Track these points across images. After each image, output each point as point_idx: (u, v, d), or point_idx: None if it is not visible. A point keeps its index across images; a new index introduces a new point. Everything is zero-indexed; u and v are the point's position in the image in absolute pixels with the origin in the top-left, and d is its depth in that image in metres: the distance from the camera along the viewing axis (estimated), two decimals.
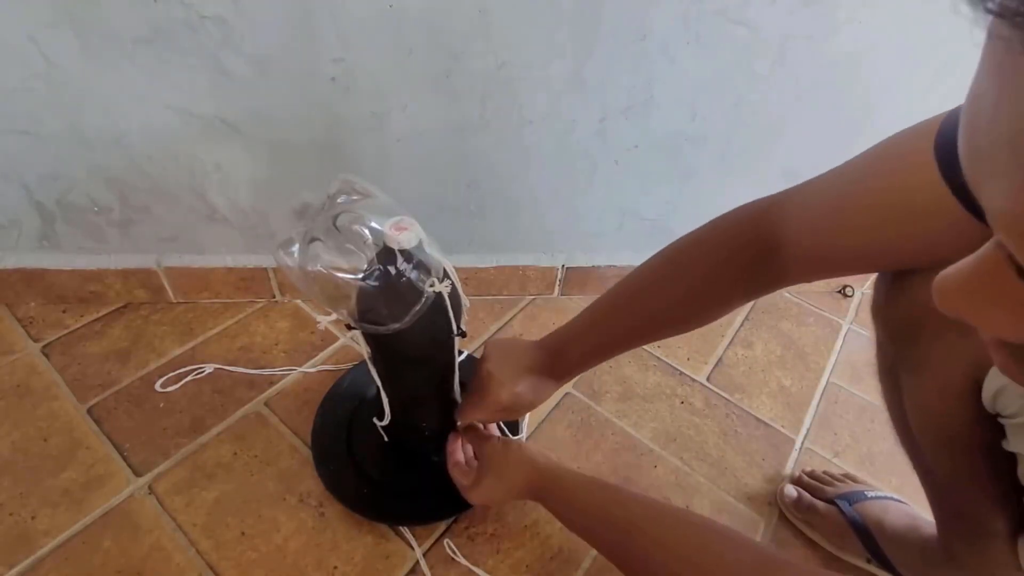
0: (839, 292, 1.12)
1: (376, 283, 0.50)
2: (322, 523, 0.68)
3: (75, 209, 0.82)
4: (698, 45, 0.76)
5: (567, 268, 1.00)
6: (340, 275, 0.49)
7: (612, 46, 0.75)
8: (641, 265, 0.59)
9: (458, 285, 0.56)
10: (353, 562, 0.65)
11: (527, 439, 0.80)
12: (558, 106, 0.80)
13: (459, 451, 0.69)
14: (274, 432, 0.77)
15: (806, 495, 0.73)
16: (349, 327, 0.53)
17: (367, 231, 0.50)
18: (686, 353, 0.95)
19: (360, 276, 0.50)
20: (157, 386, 0.81)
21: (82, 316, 0.90)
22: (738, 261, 0.52)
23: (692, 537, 0.50)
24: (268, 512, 0.69)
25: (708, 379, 0.92)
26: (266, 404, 0.81)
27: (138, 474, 0.71)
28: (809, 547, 0.72)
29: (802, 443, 0.84)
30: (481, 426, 0.72)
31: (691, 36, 0.75)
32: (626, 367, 0.92)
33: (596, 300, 0.62)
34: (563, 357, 0.64)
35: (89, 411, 0.77)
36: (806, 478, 0.76)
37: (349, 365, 0.86)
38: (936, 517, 0.61)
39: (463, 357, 0.84)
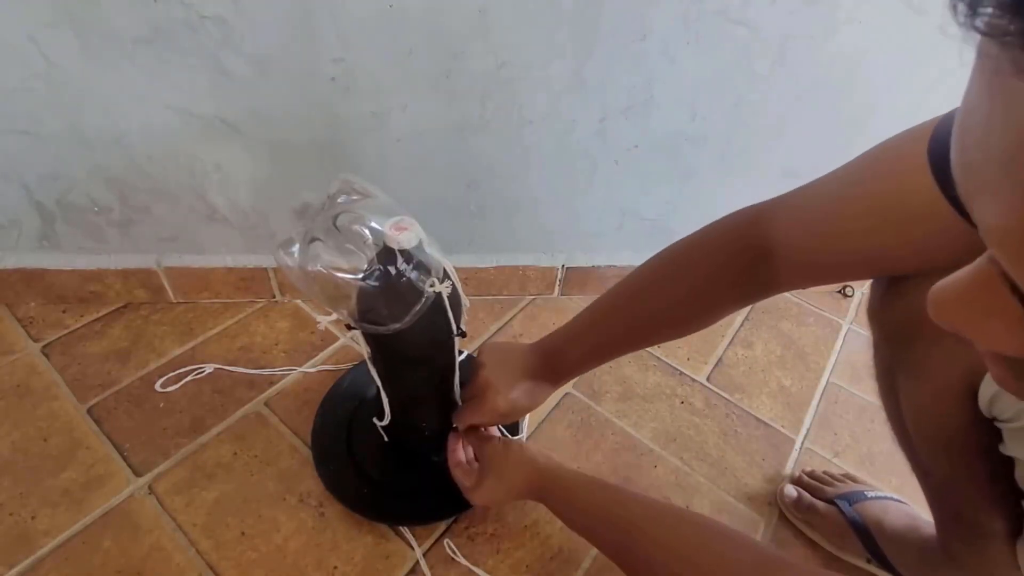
0: (839, 292, 1.12)
1: (376, 283, 0.50)
2: (322, 523, 0.68)
3: (75, 209, 0.82)
4: (698, 45, 0.76)
5: (567, 268, 1.00)
6: (340, 275, 0.49)
7: (612, 46, 0.75)
8: (638, 268, 0.59)
9: (458, 285, 0.56)
10: (353, 562, 0.65)
11: (527, 439, 0.80)
12: (558, 106, 0.80)
13: (460, 452, 0.69)
14: (274, 432, 0.77)
15: (806, 495, 0.73)
16: (349, 327, 0.53)
17: (367, 231, 0.50)
18: (686, 353, 0.95)
19: (360, 276, 0.50)
20: (157, 386, 0.81)
21: (82, 316, 0.90)
22: (734, 266, 0.52)
23: (693, 537, 0.50)
24: (268, 512, 0.69)
25: (708, 379, 0.92)
26: (266, 404, 0.81)
27: (138, 474, 0.71)
28: (809, 547, 0.72)
29: (802, 443, 0.84)
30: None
31: (691, 36, 0.75)
32: (626, 367, 0.92)
33: (593, 303, 0.62)
34: (560, 360, 0.64)
35: (89, 411, 0.77)
36: (806, 478, 0.76)
37: (349, 365, 0.86)
38: (935, 518, 0.61)
39: (463, 357, 0.84)
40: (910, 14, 0.76)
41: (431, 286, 0.51)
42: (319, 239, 0.49)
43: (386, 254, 0.51)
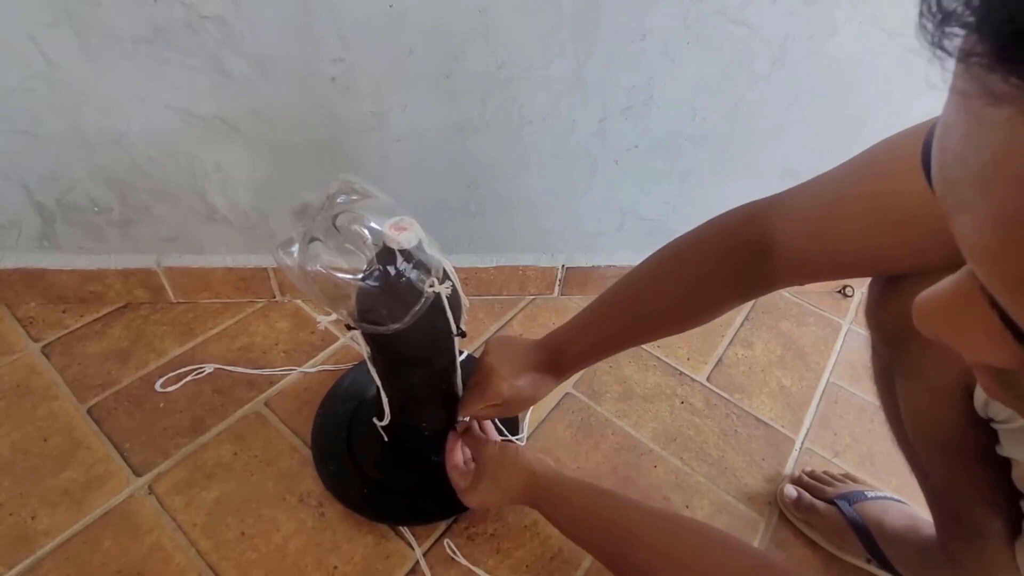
0: (839, 292, 1.12)
1: (376, 283, 0.50)
2: (322, 523, 0.68)
3: (75, 209, 0.82)
4: (698, 45, 0.76)
5: (567, 268, 1.00)
6: (340, 275, 0.49)
7: (612, 46, 0.75)
8: (638, 265, 0.59)
9: (458, 285, 0.56)
10: (353, 562, 0.65)
11: (527, 438, 0.80)
12: (558, 106, 0.80)
13: (458, 453, 0.69)
14: (274, 432, 0.77)
15: (806, 495, 0.73)
16: (349, 327, 0.53)
17: (367, 231, 0.50)
18: (686, 353, 0.95)
19: (360, 276, 0.50)
20: (157, 386, 0.81)
21: (82, 316, 0.90)
22: (732, 263, 0.53)
23: (690, 544, 0.50)
24: (268, 512, 0.69)
25: (708, 379, 0.92)
26: (266, 404, 0.81)
27: (138, 474, 0.71)
28: (809, 547, 0.72)
29: (802, 443, 0.84)
30: (478, 427, 0.72)
31: (691, 36, 0.75)
32: (626, 367, 0.92)
33: (595, 299, 0.63)
34: (562, 355, 0.65)
35: (89, 411, 0.77)
36: (806, 478, 0.76)
37: (349, 365, 0.86)
38: (934, 518, 0.61)
39: (463, 357, 0.84)
40: (910, 14, 0.76)
41: (431, 286, 0.51)
42: (319, 239, 0.49)
43: (386, 254, 0.51)
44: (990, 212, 0.15)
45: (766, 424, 0.86)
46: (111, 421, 0.77)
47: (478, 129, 0.81)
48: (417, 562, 0.66)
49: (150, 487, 0.70)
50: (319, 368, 0.87)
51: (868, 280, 0.51)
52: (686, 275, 0.56)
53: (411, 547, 0.67)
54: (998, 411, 0.44)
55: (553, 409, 0.84)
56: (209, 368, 0.84)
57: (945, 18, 0.14)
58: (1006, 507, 0.49)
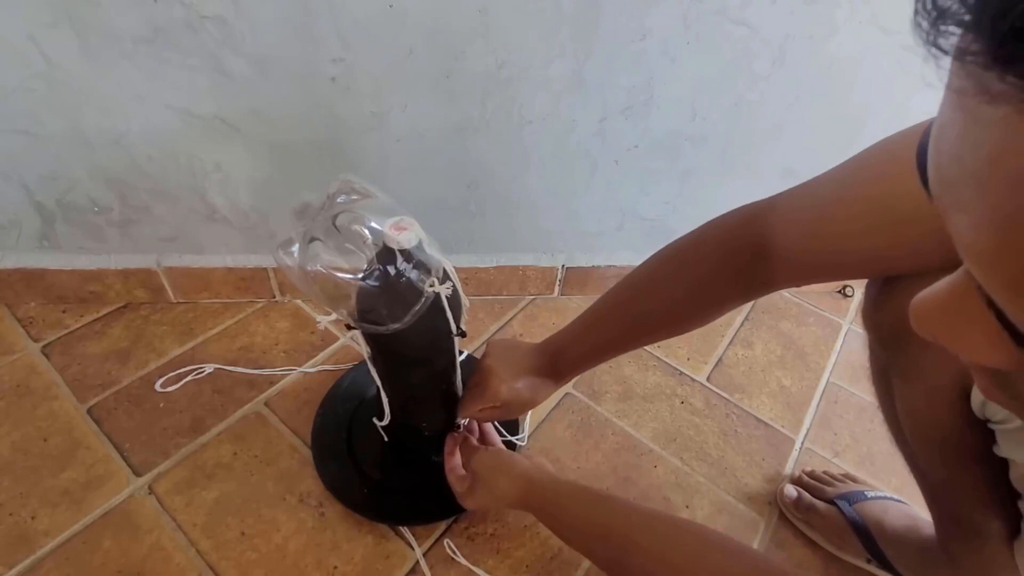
0: (839, 292, 1.12)
1: (376, 283, 0.51)
2: (322, 523, 0.68)
3: (75, 209, 0.82)
4: (698, 45, 0.76)
5: (567, 268, 1.00)
6: (340, 275, 0.49)
7: (612, 46, 0.75)
8: (638, 267, 0.59)
9: (458, 285, 0.56)
10: (353, 562, 0.65)
11: (527, 438, 0.80)
12: (558, 106, 0.80)
13: (456, 456, 0.69)
14: (274, 432, 0.77)
15: (806, 495, 0.73)
16: (349, 327, 0.53)
17: (367, 231, 0.50)
18: (686, 353, 0.95)
19: (360, 276, 0.50)
20: (157, 386, 0.81)
21: (82, 316, 0.90)
22: (731, 264, 0.53)
23: (688, 548, 0.50)
24: (268, 512, 0.69)
25: (708, 379, 0.92)
26: (266, 404, 0.81)
27: (138, 474, 0.71)
28: (809, 547, 0.72)
29: (802, 443, 0.84)
30: (477, 429, 0.72)
31: (691, 36, 0.75)
32: (626, 367, 0.92)
33: (594, 303, 0.63)
34: (561, 359, 0.64)
35: (89, 411, 0.77)
36: (806, 478, 0.76)
37: (349, 365, 0.86)
38: (933, 518, 0.61)
39: (463, 357, 0.84)
40: (910, 13, 0.76)
41: (431, 286, 0.51)
42: (319, 239, 0.49)
43: (386, 254, 0.51)
44: (986, 212, 0.15)
45: (766, 424, 0.86)
46: (111, 421, 0.77)
47: (478, 129, 0.81)
48: (417, 562, 0.66)
49: (150, 487, 0.70)
50: (319, 368, 0.87)
51: (867, 281, 0.51)
52: (686, 276, 0.56)
53: (411, 547, 0.67)
54: (995, 412, 0.44)
55: (553, 409, 0.84)
56: (209, 368, 0.84)
57: (940, 16, 0.14)
58: (1004, 507, 0.49)
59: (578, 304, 1.03)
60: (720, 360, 0.95)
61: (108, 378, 0.82)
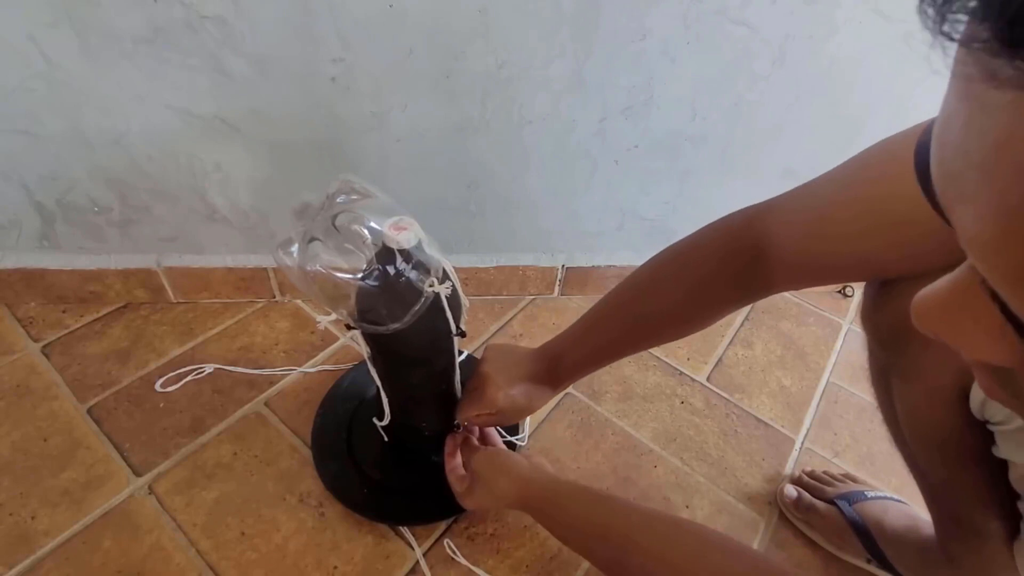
0: (839, 292, 1.12)
1: (375, 283, 0.50)
2: (322, 523, 0.68)
3: (75, 209, 0.82)
4: (698, 45, 0.76)
5: (567, 268, 1.00)
6: (339, 275, 0.49)
7: (612, 46, 0.75)
8: (635, 271, 0.59)
9: (457, 285, 0.56)
10: (353, 562, 0.65)
11: (527, 439, 0.80)
12: (558, 106, 0.80)
13: (457, 456, 0.69)
14: (274, 432, 0.77)
15: (806, 495, 0.73)
16: (349, 327, 0.53)
17: (366, 231, 0.50)
18: (686, 353, 0.95)
19: (359, 276, 0.50)
20: (157, 386, 0.81)
21: (82, 316, 0.90)
22: (731, 267, 0.53)
23: (688, 549, 0.50)
24: (268, 512, 0.69)
25: (708, 379, 0.92)
26: (266, 404, 0.81)
27: (138, 474, 0.71)
28: (809, 547, 0.72)
29: (802, 443, 0.84)
30: (478, 431, 0.72)
31: (691, 36, 0.75)
32: (626, 367, 0.92)
33: (592, 307, 0.62)
34: (560, 364, 0.64)
35: (89, 411, 0.77)
36: (806, 478, 0.76)
37: (349, 365, 0.86)
38: (933, 519, 0.61)
39: (463, 357, 0.84)
40: (910, 13, 0.76)
41: (430, 286, 0.51)
42: (318, 239, 0.49)
43: (385, 254, 0.51)
44: (991, 201, 0.15)
45: (766, 424, 0.86)
46: (111, 421, 0.77)
47: (478, 129, 0.81)
48: (417, 562, 0.66)
49: (150, 487, 0.70)
50: (319, 368, 0.87)
51: (866, 282, 0.51)
52: (685, 278, 0.55)
53: (411, 547, 0.67)
54: (994, 412, 0.44)
55: (553, 409, 0.84)
56: (209, 368, 0.84)
57: (947, 2, 0.14)
58: (1004, 508, 0.49)
59: (578, 304, 1.03)
60: (720, 360, 0.95)
61: (108, 378, 0.82)
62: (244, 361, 0.86)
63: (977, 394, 0.44)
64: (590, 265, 1.01)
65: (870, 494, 0.71)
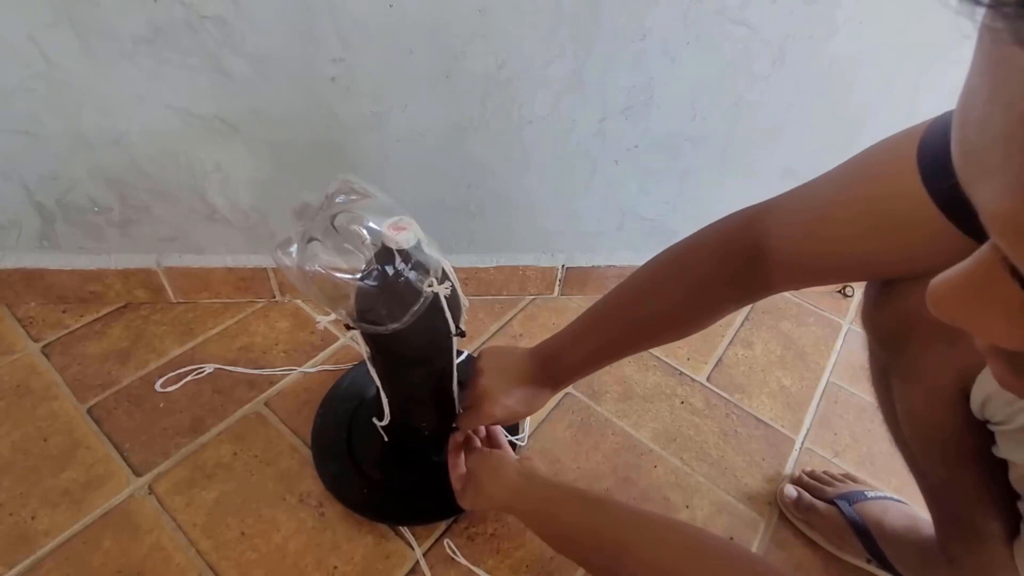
0: (839, 292, 1.12)
1: (374, 283, 0.50)
2: (322, 523, 0.68)
3: (75, 209, 0.82)
4: (698, 45, 0.76)
5: (567, 268, 1.00)
6: (338, 275, 0.49)
7: (612, 46, 0.75)
8: (635, 271, 0.59)
9: (457, 285, 0.56)
10: (353, 562, 0.65)
11: (527, 438, 0.80)
12: (558, 106, 0.80)
13: (460, 454, 0.69)
14: (274, 432, 0.77)
15: (806, 495, 0.73)
16: (348, 327, 0.53)
17: (365, 231, 0.50)
18: (686, 353, 0.95)
19: (358, 276, 0.50)
20: (157, 386, 0.81)
21: (82, 316, 0.90)
22: (729, 268, 0.52)
23: (684, 554, 0.49)
24: (268, 512, 0.69)
25: (708, 379, 0.92)
26: (266, 404, 0.81)
27: (138, 474, 0.71)
28: (809, 547, 0.72)
29: (802, 443, 0.84)
30: (484, 431, 0.72)
31: (691, 36, 0.75)
32: (626, 367, 0.92)
33: (590, 308, 0.62)
34: (557, 366, 0.64)
35: (89, 411, 0.78)
36: (806, 478, 0.76)
37: (349, 365, 0.86)
38: (933, 519, 0.61)
39: (463, 357, 0.84)
40: (910, 13, 0.76)
41: (429, 286, 0.51)
42: (317, 239, 0.49)
43: (384, 254, 0.51)
44: (1014, 173, 0.15)
45: (766, 424, 0.86)
46: (111, 421, 0.77)
47: (478, 129, 0.81)
48: (417, 562, 0.66)
49: (150, 487, 0.70)
50: (319, 368, 0.87)
51: (866, 282, 0.50)
52: (684, 279, 0.55)
53: (411, 547, 0.67)
54: (994, 412, 0.44)
55: (553, 409, 0.84)
56: (209, 368, 0.84)
57: None
58: (1004, 508, 0.49)
59: (578, 304, 1.03)
60: (720, 360, 0.95)
61: (108, 378, 0.82)
62: (244, 361, 0.86)
63: (978, 394, 0.44)
64: (590, 265, 1.01)
65: (870, 494, 0.71)
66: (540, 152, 0.85)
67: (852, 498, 0.71)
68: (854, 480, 0.76)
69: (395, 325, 0.51)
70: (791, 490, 0.74)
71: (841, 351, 0.99)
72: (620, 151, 0.87)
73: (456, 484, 0.66)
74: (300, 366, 0.86)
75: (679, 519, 0.65)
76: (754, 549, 0.71)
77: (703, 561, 0.48)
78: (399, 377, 0.64)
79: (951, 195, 0.35)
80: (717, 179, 0.93)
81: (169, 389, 0.81)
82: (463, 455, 0.69)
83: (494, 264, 0.98)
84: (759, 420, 0.86)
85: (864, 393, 0.91)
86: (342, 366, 0.87)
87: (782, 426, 0.86)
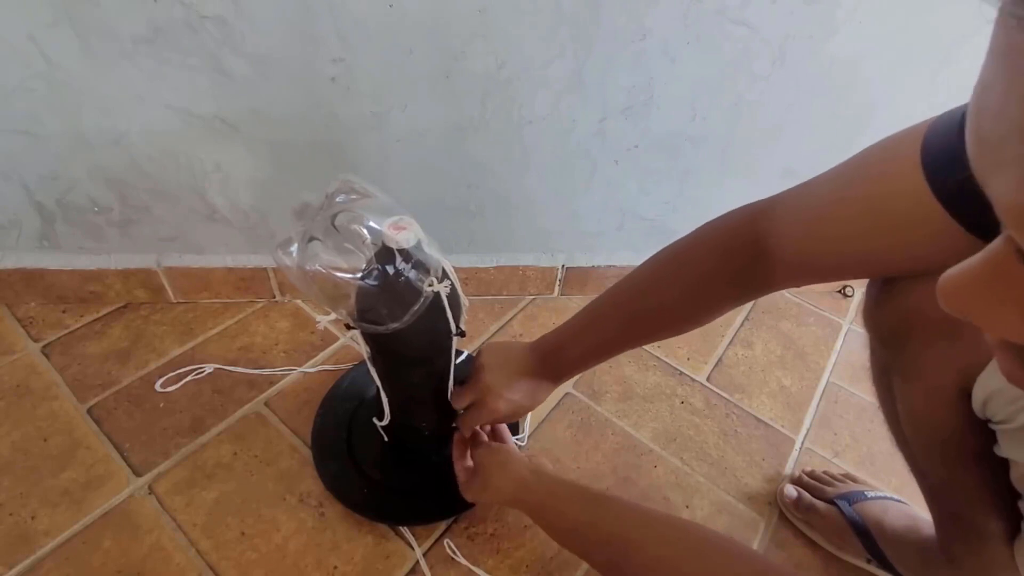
0: (839, 292, 1.12)
1: (375, 283, 0.50)
2: (322, 523, 0.68)
3: (75, 209, 0.82)
4: (698, 45, 0.76)
5: (567, 268, 1.00)
6: (339, 275, 0.49)
7: (612, 46, 0.75)
8: (637, 268, 0.59)
9: (457, 285, 0.56)
10: (353, 562, 0.65)
11: (527, 438, 0.80)
12: (558, 106, 0.80)
13: (466, 451, 0.69)
14: (274, 432, 0.77)
15: (806, 495, 0.73)
16: (349, 327, 0.53)
17: (365, 230, 0.50)
18: (686, 353, 0.95)
19: (359, 276, 0.50)
20: (157, 386, 0.81)
21: (82, 316, 0.90)
22: (730, 265, 0.53)
23: (689, 552, 0.49)
24: (268, 512, 0.69)
25: (708, 379, 0.92)
26: (266, 404, 0.81)
27: (138, 474, 0.71)
28: (809, 547, 0.72)
29: (802, 443, 0.84)
30: (489, 427, 0.72)
31: (691, 36, 0.75)
32: (626, 367, 0.92)
33: (591, 302, 0.63)
34: (559, 359, 0.64)
35: (89, 411, 0.77)
36: (806, 478, 0.76)
37: (349, 365, 0.86)
38: (933, 518, 0.61)
39: (463, 357, 0.84)
40: (910, 13, 0.76)
41: (430, 285, 0.51)
42: (317, 239, 0.49)
43: (385, 254, 0.51)
44: None
45: (766, 424, 0.86)
46: (111, 421, 0.77)
47: (478, 129, 0.81)
48: (417, 562, 0.66)
49: (150, 487, 0.70)
50: (319, 368, 0.87)
51: (868, 280, 0.50)
52: (685, 275, 0.56)
53: (411, 547, 0.67)
54: (996, 411, 0.44)
55: (553, 409, 0.84)
56: (209, 368, 0.84)
57: None
58: (1005, 508, 0.49)
59: (578, 304, 1.02)
60: (720, 360, 0.95)
61: (108, 378, 0.82)
62: (244, 361, 0.86)
63: (979, 392, 0.44)
64: (590, 265, 1.01)
65: (870, 494, 0.71)
66: (540, 152, 0.85)
67: (852, 498, 0.71)
68: (854, 480, 0.76)
69: (395, 325, 0.51)
70: (791, 490, 0.74)
71: (841, 351, 0.99)
72: (620, 151, 0.87)
73: (461, 476, 0.66)
74: (300, 366, 0.86)
75: (682, 517, 0.65)
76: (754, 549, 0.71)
77: (706, 558, 0.48)
78: (399, 377, 0.64)
79: (955, 192, 0.35)
80: (717, 179, 0.93)
81: (169, 389, 0.81)
82: (468, 452, 0.69)
83: (494, 264, 0.98)
84: (759, 420, 0.86)
85: (864, 393, 0.91)
86: (342, 366, 0.87)
87: (782, 426, 0.86)
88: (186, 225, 0.86)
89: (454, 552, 0.67)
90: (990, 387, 0.43)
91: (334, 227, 0.50)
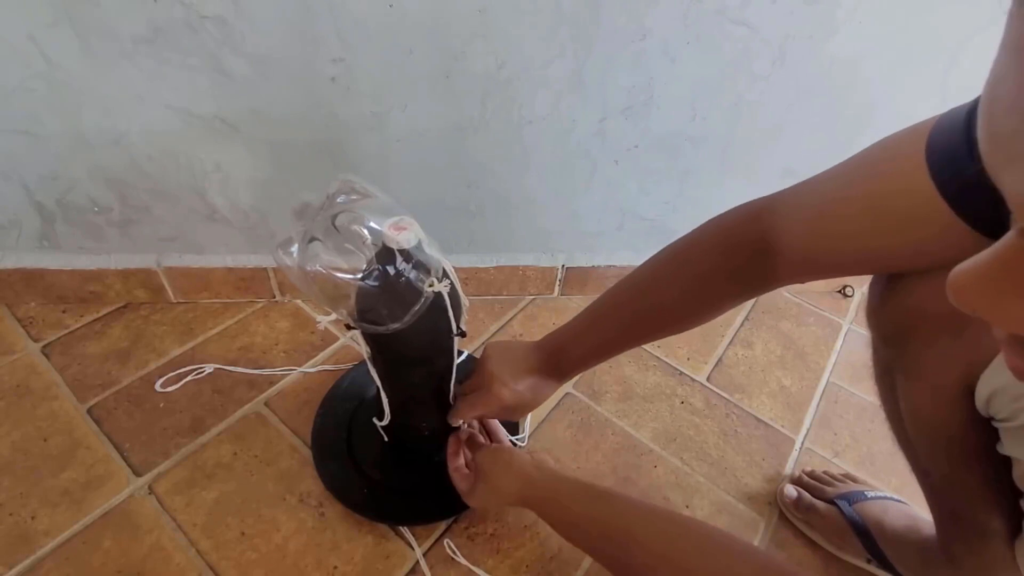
0: (839, 292, 1.12)
1: (375, 283, 0.50)
2: (322, 523, 0.68)
3: (75, 209, 0.82)
4: (698, 45, 0.76)
5: (567, 268, 1.00)
6: (339, 275, 0.49)
7: (612, 46, 0.75)
8: (639, 266, 0.59)
9: (457, 285, 0.56)
10: (353, 562, 0.65)
11: (528, 438, 0.80)
12: (558, 106, 0.80)
13: (460, 456, 0.69)
14: (274, 432, 0.77)
15: (806, 495, 0.73)
16: (349, 327, 0.53)
17: (366, 231, 0.50)
18: (686, 353, 0.95)
19: (359, 276, 0.50)
20: (157, 386, 0.81)
21: (82, 316, 0.90)
22: (732, 262, 0.53)
23: (692, 548, 0.49)
24: (268, 512, 0.69)
25: (708, 379, 0.92)
26: (266, 404, 0.81)
27: (138, 474, 0.71)
28: (809, 547, 0.72)
29: (802, 443, 0.84)
30: (483, 430, 0.72)
31: (691, 36, 0.75)
32: (626, 367, 0.92)
33: (594, 301, 0.63)
34: (563, 357, 0.64)
35: (89, 411, 0.77)
36: (806, 478, 0.76)
37: (349, 365, 0.86)
38: (934, 518, 0.61)
39: (463, 357, 0.84)
40: (911, 13, 0.76)
41: (430, 286, 0.51)
42: (318, 239, 0.49)
43: (385, 254, 0.51)
44: None
45: (766, 424, 0.86)
46: (111, 421, 0.77)
47: (478, 129, 0.81)
48: (417, 562, 0.66)
49: (150, 487, 0.70)
50: (319, 368, 0.87)
51: (869, 279, 0.51)
52: (687, 273, 0.56)
53: (411, 547, 0.67)
54: (999, 409, 0.44)
55: (553, 409, 0.84)
56: (209, 368, 0.84)
57: None
58: (1006, 506, 0.49)
59: (578, 304, 1.03)
60: (720, 360, 0.95)
61: (108, 378, 0.82)
62: (244, 361, 0.86)
63: (983, 390, 0.44)
64: (590, 265, 1.01)
65: (870, 494, 0.71)
66: (540, 152, 0.85)
67: (852, 498, 0.71)
68: (854, 480, 0.76)
69: (396, 325, 0.51)
70: (791, 490, 0.74)
71: (841, 351, 0.99)
72: (620, 151, 0.87)
73: (462, 484, 0.65)
74: (300, 366, 0.86)
75: (685, 514, 0.65)
76: None
77: (708, 554, 0.48)
78: (399, 377, 0.64)
79: (960, 190, 0.35)
80: (717, 179, 0.93)
81: (169, 389, 0.81)
82: (462, 457, 0.69)
83: (494, 264, 0.98)
84: (759, 420, 0.86)
85: (864, 393, 0.92)
86: (342, 366, 0.87)
87: (782, 426, 0.86)
88: (186, 225, 0.86)
89: (454, 552, 0.67)
90: (994, 384, 0.43)
91: (334, 227, 0.50)
